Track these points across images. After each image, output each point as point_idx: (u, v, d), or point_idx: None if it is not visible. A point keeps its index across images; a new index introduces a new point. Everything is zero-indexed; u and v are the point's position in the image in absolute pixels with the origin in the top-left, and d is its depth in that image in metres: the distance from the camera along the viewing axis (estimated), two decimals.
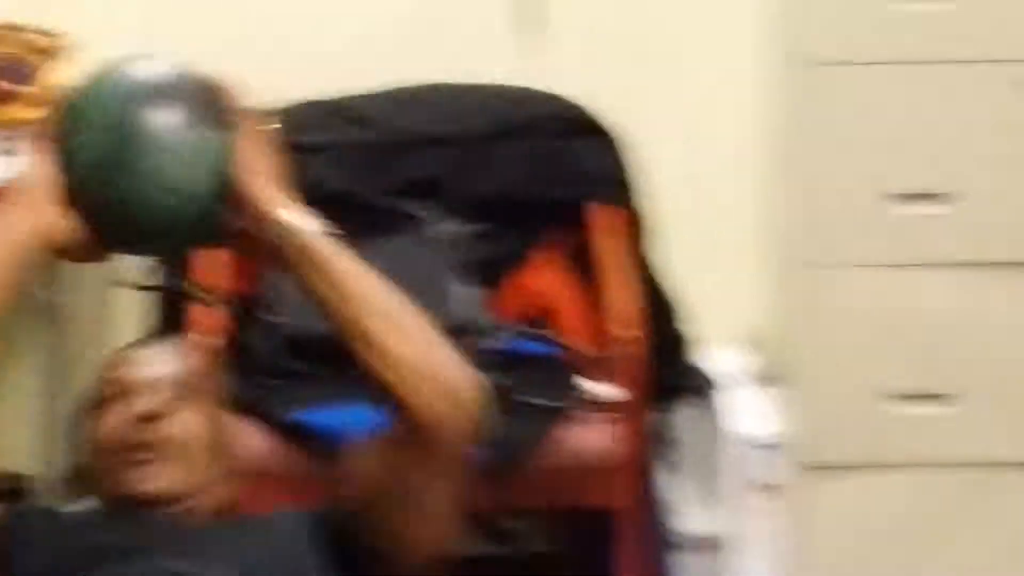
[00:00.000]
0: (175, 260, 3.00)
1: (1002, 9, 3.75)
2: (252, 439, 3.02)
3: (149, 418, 2.22)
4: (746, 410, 3.87)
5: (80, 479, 2.47)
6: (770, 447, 3.81)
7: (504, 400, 3.22)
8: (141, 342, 2.87)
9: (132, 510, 2.25)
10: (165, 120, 1.98)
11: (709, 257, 4.06)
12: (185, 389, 2.32)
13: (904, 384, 3.73)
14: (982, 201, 3.70)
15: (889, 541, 3.78)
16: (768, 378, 3.94)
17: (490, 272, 3.71)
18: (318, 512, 2.23)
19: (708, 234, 4.10)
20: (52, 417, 4.01)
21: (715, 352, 3.96)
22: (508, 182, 3.77)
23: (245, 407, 2.81)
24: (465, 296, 3.70)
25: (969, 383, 3.80)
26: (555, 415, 3.39)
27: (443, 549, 2.21)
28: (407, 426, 2.01)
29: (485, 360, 3.07)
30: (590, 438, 3.47)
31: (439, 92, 3.98)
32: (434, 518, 2.19)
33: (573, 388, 3.51)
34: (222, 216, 2.01)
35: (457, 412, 2.05)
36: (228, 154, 1.98)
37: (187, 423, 2.30)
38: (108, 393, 2.29)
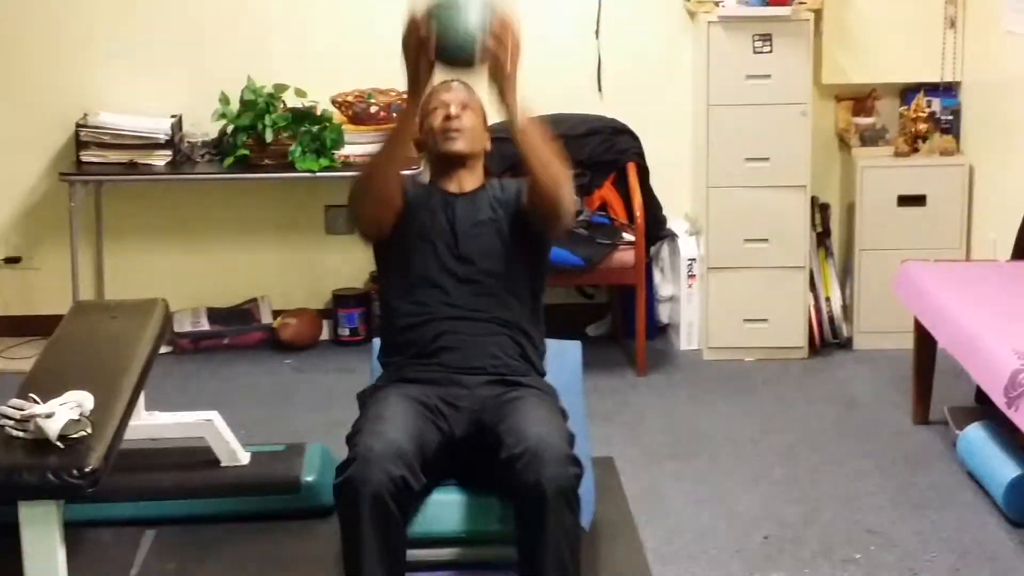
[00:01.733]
0: (467, 70, 3.47)
1: None
2: None
3: (456, 114, 3.66)
4: (685, 243, 6.04)
5: (421, 146, 3.82)
6: (694, 260, 5.99)
7: (586, 241, 5.55)
8: (448, 83, 3.75)
9: (444, 164, 3.73)
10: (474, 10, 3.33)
11: (669, 184, 6.20)
12: (469, 103, 3.72)
13: None
14: None
15: (750, 298, 5.94)
16: (693, 232, 6.07)
17: (585, 189, 5.81)
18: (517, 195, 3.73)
19: (668, 174, 6.22)
20: None
21: (673, 221, 6.13)
22: (591, 152, 5.94)
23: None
24: (576, 200, 4.87)
25: None
26: (610, 247, 5.69)
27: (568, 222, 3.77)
28: (541, 195, 3.54)
29: (583, 222, 5.55)
30: (624, 255, 5.71)
31: (571, 117, 5.95)
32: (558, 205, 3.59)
33: (617, 236, 5.73)
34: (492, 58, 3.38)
35: (560, 213, 3.62)
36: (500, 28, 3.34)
37: (470, 119, 3.71)
38: (435, 99, 3.70)
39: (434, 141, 3.73)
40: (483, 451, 3.41)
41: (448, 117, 3.67)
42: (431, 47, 3.38)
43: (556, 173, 3.57)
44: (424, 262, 3.68)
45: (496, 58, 3.38)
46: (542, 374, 3.75)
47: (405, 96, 3.60)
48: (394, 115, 5.82)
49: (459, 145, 3.70)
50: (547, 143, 3.56)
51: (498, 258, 3.70)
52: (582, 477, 3.31)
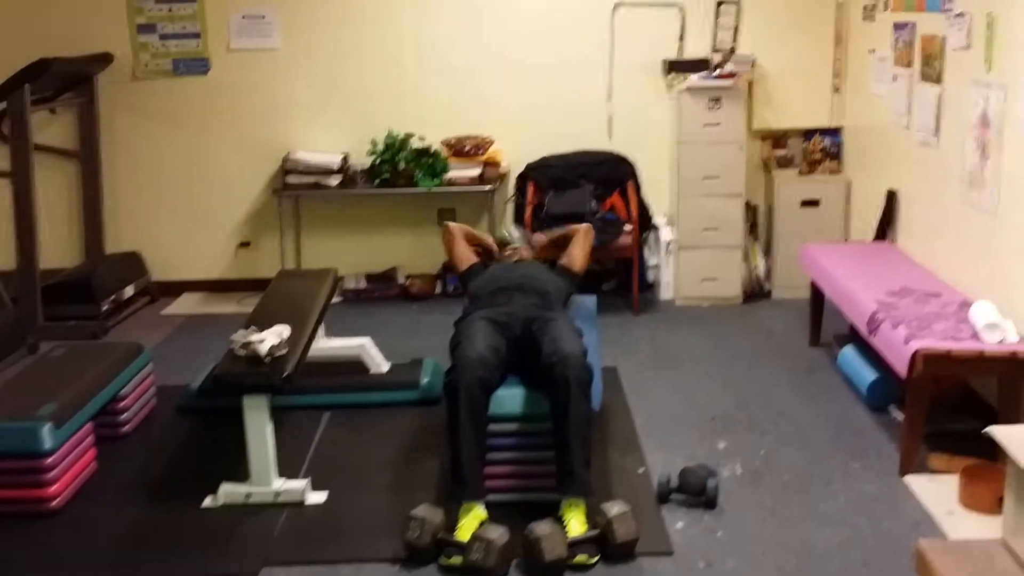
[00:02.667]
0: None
1: None
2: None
3: (523, 257, 4.19)
4: (664, 231, 5.92)
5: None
6: (670, 242, 5.85)
7: (601, 230, 5.43)
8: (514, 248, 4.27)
9: (512, 263, 4.08)
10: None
11: (655, 194, 6.07)
12: (526, 247, 4.36)
13: None
14: None
15: (706, 266, 5.81)
16: (670, 224, 5.93)
17: (600, 198, 5.81)
18: (553, 262, 4.09)
19: (655, 188, 6.07)
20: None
21: (658, 216, 6.07)
22: (604, 174, 5.88)
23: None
24: (594, 204, 5.73)
25: None
26: (617, 233, 5.68)
27: (584, 267, 4.10)
28: (576, 242, 4.07)
29: (599, 219, 5.54)
30: (625, 239, 5.70)
31: (593, 152, 5.95)
32: (581, 258, 4.04)
33: (621, 227, 5.73)
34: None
35: (588, 237, 4.14)
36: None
37: (527, 252, 4.25)
38: (509, 249, 4.30)
39: (509, 258, 4.22)
40: (531, 354, 3.42)
41: (513, 250, 4.29)
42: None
43: (588, 244, 4.12)
44: (498, 282, 3.83)
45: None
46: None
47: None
48: (480, 151, 5.87)
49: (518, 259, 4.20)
50: (587, 233, 4.16)
51: (542, 273, 3.90)
52: (593, 376, 3.31)
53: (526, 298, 3.66)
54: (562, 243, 4.14)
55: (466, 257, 4.07)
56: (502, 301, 3.65)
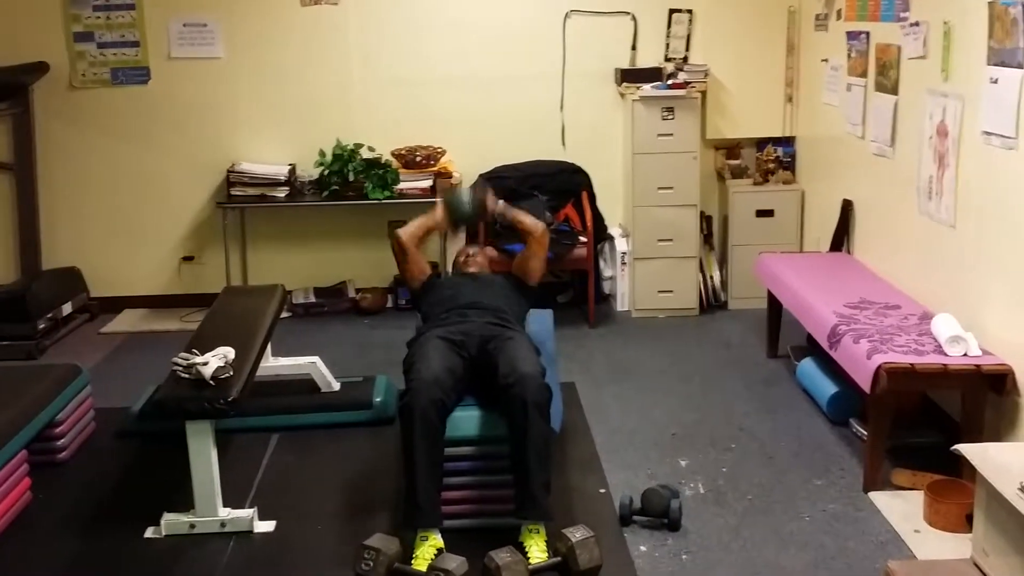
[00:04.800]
0: (469, 225, 4.25)
1: None
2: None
3: (473, 254, 4.11)
4: (619, 242, 5.89)
5: (455, 266, 4.19)
6: (625, 252, 5.79)
7: (556, 242, 5.31)
8: (469, 243, 4.39)
9: (466, 276, 3.97)
10: (465, 199, 3.80)
11: (609, 204, 6.09)
12: (480, 251, 4.17)
13: None
14: None
15: (661, 277, 5.77)
16: (624, 235, 5.90)
17: (554, 209, 5.78)
18: (507, 273, 3.96)
19: (609, 198, 6.09)
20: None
21: (612, 227, 6.06)
22: (558, 184, 5.86)
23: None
24: (549, 216, 5.65)
25: None
26: (571, 245, 5.65)
27: (539, 279, 3.95)
28: (530, 247, 3.86)
29: (553, 230, 5.30)
30: (580, 251, 5.66)
31: (546, 163, 5.94)
32: (536, 270, 3.89)
33: (575, 238, 5.71)
34: (481, 214, 3.88)
35: (543, 242, 3.90)
36: (482, 199, 3.81)
37: (482, 258, 4.12)
38: (462, 252, 4.16)
39: (458, 268, 4.12)
40: (487, 374, 3.34)
41: (468, 256, 4.12)
42: (446, 216, 3.89)
43: (542, 251, 3.92)
44: (452, 300, 3.72)
45: (486, 210, 3.87)
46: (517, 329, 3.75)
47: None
48: (431, 162, 5.81)
49: (472, 268, 4.06)
50: (542, 237, 3.92)
51: (496, 285, 3.82)
52: (552, 396, 3.24)
53: (482, 316, 3.57)
54: (519, 232, 4.04)
55: (419, 270, 3.91)
56: (457, 319, 3.55)
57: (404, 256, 3.88)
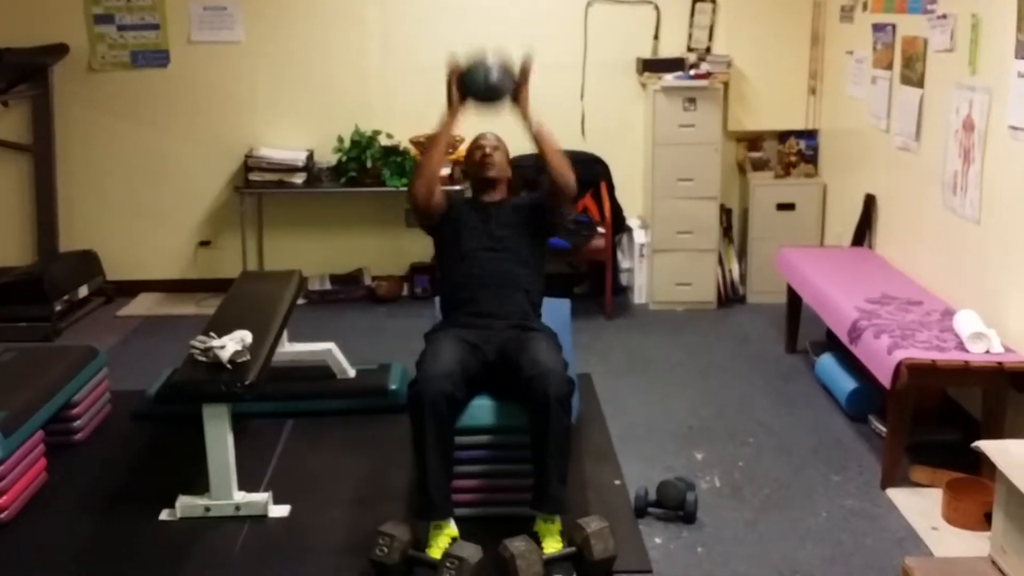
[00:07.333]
0: (489, 104, 3.40)
1: None
2: None
3: (489, 153, 3.59)
4: (638, 234, 5.87)
5: (466, 174, 3.86)
6: (644, 244, 5.79)
7: (574, 232, 5.43)
8: (484, 134, 3.67)
9: (482, 185, 3.58)
10: (492, 69, 3.33)
11: (628, 195, 6.04)
12: (499, 146, 3.64)
13: None
14: None
15: (680, 269, 5.70)
16: (643, 227, 5.87)
17: (573, 198, 4.36)
18: (533, 206, 3.59)
19: (628, 189, 6.04)
20: None
21: (631, 218, 6.02)
22: (576, 175, 4.40)
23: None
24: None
25: None
26: (589, 236, 5.62)
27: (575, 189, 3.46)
28: (554, 186, 3.43)
29: (571, 220, 5.37)
30: (598, 242, 5.64)
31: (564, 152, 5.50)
32: (568, 183, 3.42)
33: (594, 229, 5.67)
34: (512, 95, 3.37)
35: (568, 187, 3.45)
36: (513, 77, 3.33)
37: (499, 157, 3.61)
38: (475, 144, 3.64)
39: (475, 170, 3.65)
40: (507, 372, 3.30)
41: (485, 155, 3.62)
42: (459, 86, 3.44)
43: (562, 160, 3.46)
44: (468, 242, 3.54)
45: (517, 87, 3.41)
46: (539, 315, 3.65)
47: (458, 140, 3.43)
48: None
49: (492, 172, 3.62)
50: (553, 142, 3.48)
51: (515, 240, 3.55)
52: (573, 391, 3.23)
53: (506, 314, 3.48)
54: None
55: (437, 214, 3.59)
56: (482, 324, 3.46)
57: (425, 212, 3.58)
